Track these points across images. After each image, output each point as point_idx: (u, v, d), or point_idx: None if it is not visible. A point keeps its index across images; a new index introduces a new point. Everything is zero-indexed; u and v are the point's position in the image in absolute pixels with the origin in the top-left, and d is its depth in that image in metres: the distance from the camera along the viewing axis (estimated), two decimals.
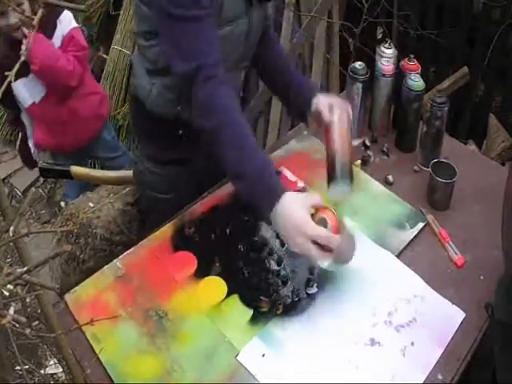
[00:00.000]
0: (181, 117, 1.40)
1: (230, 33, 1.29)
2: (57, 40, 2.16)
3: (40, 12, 0.58)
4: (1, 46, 2.13)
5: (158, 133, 1.48)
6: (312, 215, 1.12)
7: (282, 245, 1.37)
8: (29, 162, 2.51)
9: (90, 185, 2.23)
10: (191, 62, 1.15)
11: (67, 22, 2.19)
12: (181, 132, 1.43)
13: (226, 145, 1.13)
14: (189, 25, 1.15)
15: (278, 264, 1.33)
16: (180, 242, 1.39)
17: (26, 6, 1.99)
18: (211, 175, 1.51)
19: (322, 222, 1.12)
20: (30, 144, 2.39)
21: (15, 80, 2.35)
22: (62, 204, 2.92)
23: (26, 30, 2.01)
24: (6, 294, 0.65)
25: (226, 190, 1.52)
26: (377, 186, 1.53)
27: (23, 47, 2.01)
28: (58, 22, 2.16)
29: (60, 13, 2.19)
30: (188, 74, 1.16)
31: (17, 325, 0.62)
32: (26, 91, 2.18)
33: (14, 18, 1.97)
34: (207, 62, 1.15)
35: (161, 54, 1.31)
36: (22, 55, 1.95)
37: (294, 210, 1.09)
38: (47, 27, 2.12)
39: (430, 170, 1.45)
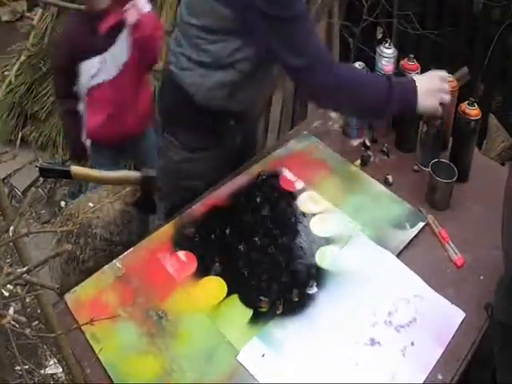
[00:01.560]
0: (231, 109, 1.49)
1: None
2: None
3: (40, 12, 0.58)
4: (75, 23, 2.11)
5: (204, 123, 1.51)
6: None
7: (282, 245, 1.37)
8: (80, 154, 2.45)
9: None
10: (305, 57, 1.31)
11: (144, 2, 2.11)
12: (232, 122, 1.53)
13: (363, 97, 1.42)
14: (295, 24, 1.30)
15: (278, 264, 1.33)
16: (180, 242, 1.39)
17: None
18: (244, 155, 1.65)
19: None
20: (84, 136, 2.34)
21: (87, 59, 2.25)
22: (62, 204, 2.92)
23: (105, 3, 1.99)
24: (6, 294, 0.65)
25: (226, 189, 1.52)
26: (377, 186, 1.53)
27: (129, 13, 2.00)
28: (135, 4, 2.14)
29: None
30: (304, 68, 1.32)
31: (17, 325, 0.62)
32: (99, 69, 2.14)
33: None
34: (321, 55, 1.36)
35: (224, 49, 1.37)
36: (129, 19, 2.00)
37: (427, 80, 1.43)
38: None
39: (429, 170, 1.45)
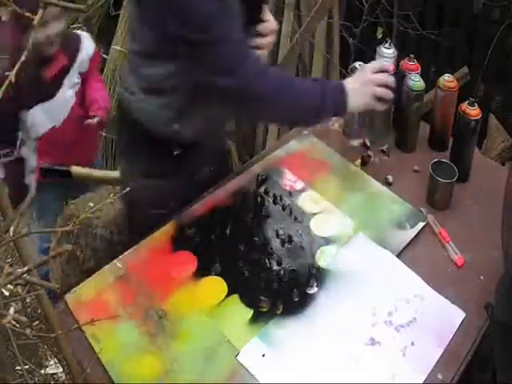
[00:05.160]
0: (176, 136, 1.40)
1: None
2: (83, 63, 2.10)
3: (40, 12, 0.58)
4: (21, 70, 2.09)
5: (151, 150, 1.45)
6: None
7: (282, 245, 1.38)
8: (19, 198, 2.37)
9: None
10: (233, 79, 1.23)
11: (89, 42, 2.14)
12: (176, 152, 1.44)
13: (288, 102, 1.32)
14: (217, 47, 1.21)
15: (278, 264, 1.33)
16: (180, 241, 1.39)
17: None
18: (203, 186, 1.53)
19: None
20: (28, 179, 2.29)
21: (32, 107, 2.22)
22: None
23: (54, 48, 1.94)
24: (7, 293, 0.65)
25: (226, 190, 1.52)
26: (377, 186, 1.53)
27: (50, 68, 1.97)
28: (80, 45, 2.09)
29: (79, 36, 2.13)
30: (232, 89, 1.25)
31: (17, 325, 0.62)
32: (46, 116, 2.07)
33: (54, 29, 1.86)
34: (249, 76, 1.25)
35: (159, 74, 1.32)
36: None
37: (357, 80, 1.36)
38: (70, 51, 2.04)
39: (430, 170, 1.45)
